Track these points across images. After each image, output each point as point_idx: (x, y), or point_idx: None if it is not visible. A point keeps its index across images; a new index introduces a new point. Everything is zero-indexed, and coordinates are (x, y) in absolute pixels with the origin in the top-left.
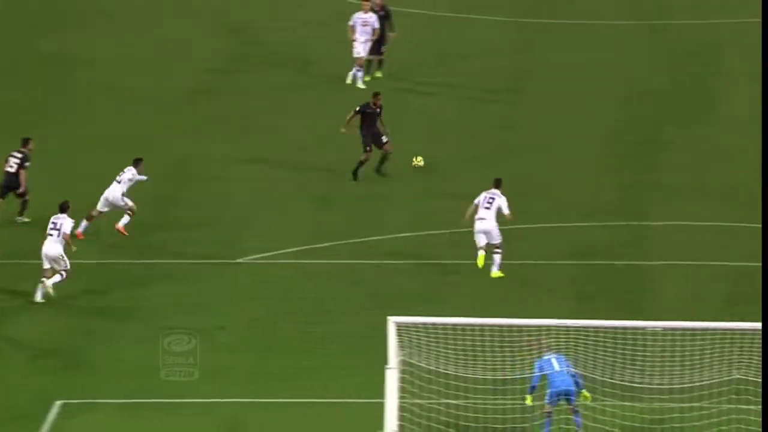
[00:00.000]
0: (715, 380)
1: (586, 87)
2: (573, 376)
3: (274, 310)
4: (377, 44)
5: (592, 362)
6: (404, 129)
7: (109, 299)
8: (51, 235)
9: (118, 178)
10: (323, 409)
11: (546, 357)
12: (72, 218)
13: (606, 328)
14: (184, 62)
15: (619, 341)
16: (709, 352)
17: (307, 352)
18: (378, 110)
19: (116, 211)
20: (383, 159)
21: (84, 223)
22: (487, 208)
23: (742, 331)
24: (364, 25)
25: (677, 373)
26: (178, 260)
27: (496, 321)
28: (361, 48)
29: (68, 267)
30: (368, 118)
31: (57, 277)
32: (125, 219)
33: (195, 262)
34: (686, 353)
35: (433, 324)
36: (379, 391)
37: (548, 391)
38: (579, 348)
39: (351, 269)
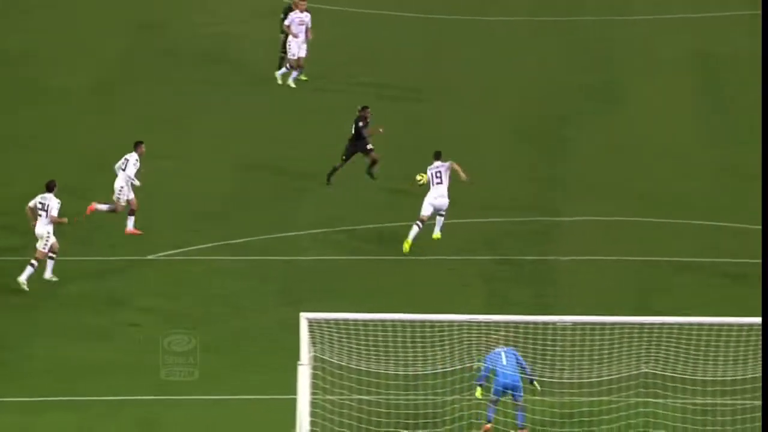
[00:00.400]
0: (623, 374)
1: (497, 84)
2: (523, 368)
3: (186, 307)
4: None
5: None
6: (314, 128)
7: (19, 296)
8: (40, 215)
9: (122, 165)
10: (234, 406)
11: (497, 350)
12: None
13: (517, 322)
14: (93, 56)
15: (530, 336)
16: (617, 346)
17: (219, 348)
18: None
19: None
20: (335, 170)
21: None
22: (439, 182)
23: (651, 325)
24: (300, 24)
25: (587, 368)
26: (88, 257)
27: (408, 317)
28: (296, 47)
29: (46, 249)
30: (359, 130)
31: (47, 271)
32: (130, 221)
33: (105, 258)
34: (595, 347)
35: (345, 320)
36: (291, 388)
37: (494, 385)
38: (490, 343)
39: (262, 265)
